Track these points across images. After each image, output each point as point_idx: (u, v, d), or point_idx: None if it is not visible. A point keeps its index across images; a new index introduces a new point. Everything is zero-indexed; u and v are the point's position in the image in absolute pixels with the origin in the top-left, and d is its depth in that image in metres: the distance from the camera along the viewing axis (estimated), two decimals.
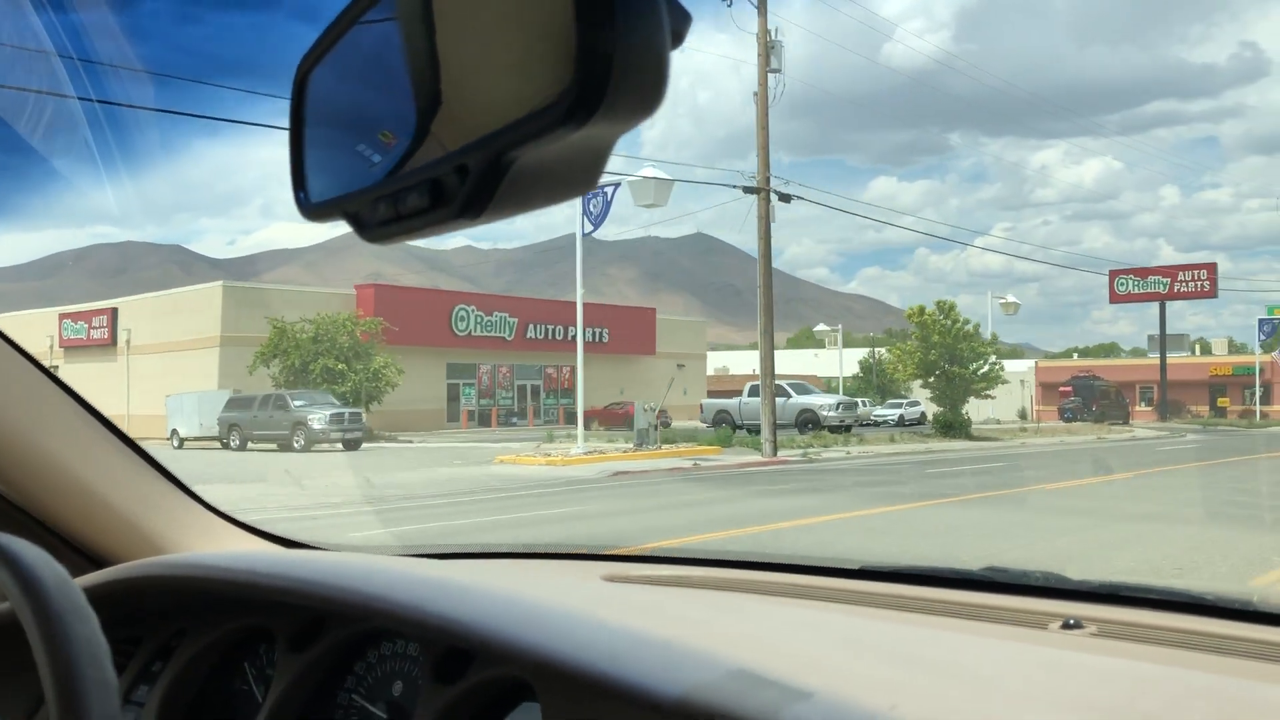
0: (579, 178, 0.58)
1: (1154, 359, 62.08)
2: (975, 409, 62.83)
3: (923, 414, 52.70)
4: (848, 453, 26.02)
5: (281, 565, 1.45)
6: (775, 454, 23.91)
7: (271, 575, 1.41)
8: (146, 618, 1.60)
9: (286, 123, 0.71)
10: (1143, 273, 58.48)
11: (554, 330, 45.62)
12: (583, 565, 2.02)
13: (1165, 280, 56.21)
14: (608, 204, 24.10)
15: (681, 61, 0.59)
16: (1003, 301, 45.28)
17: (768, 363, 25.69)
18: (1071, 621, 1.39)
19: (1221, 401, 59.12)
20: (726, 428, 30.34)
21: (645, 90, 0.53)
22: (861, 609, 1.56)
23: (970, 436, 32.85)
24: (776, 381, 35.87)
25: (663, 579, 1.78)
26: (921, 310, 37.76)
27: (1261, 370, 56.78)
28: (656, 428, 24.79)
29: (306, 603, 1.36)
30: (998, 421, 43.17)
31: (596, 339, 44.82)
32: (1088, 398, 51.15)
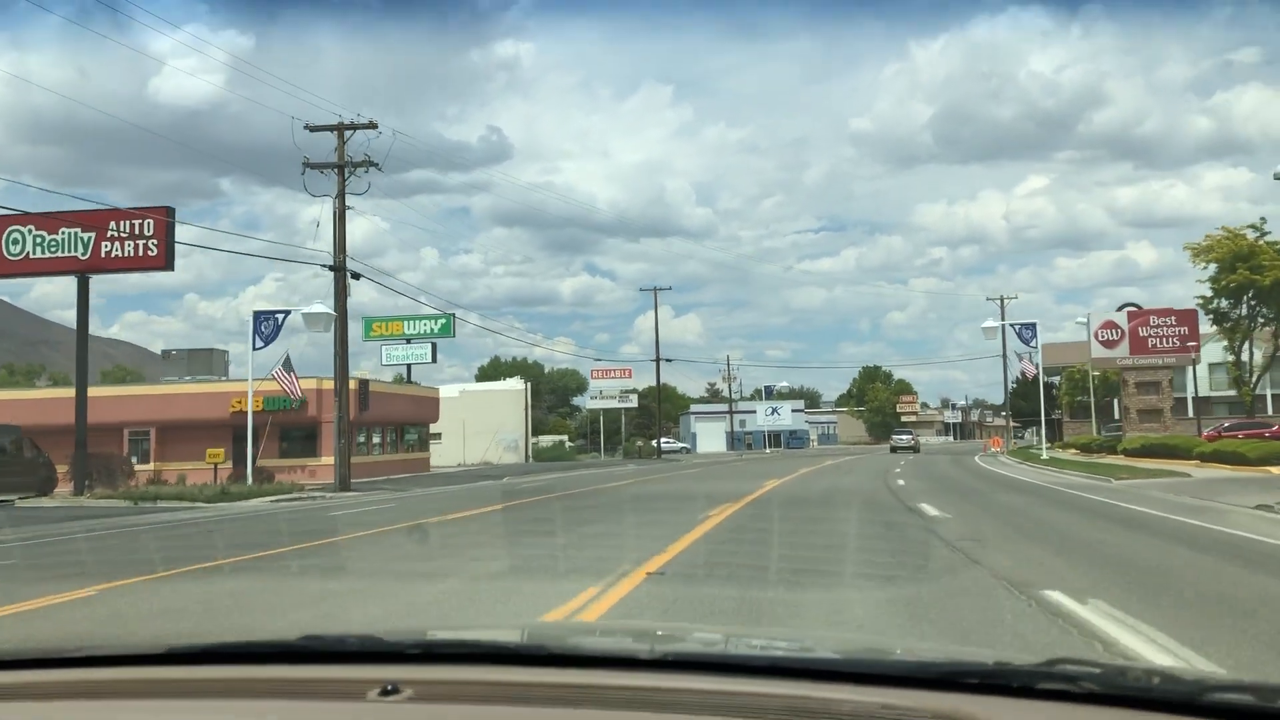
0: None
1: (165, 386, 39.75)
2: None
3: None
4: None
5: None
6: None
7: None
8: None
9: None
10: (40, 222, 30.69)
11: None
12: None
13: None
14: None
15: None
16: None
17: None
18: (390, 686, 1.37)
19: (213, 454, 31.72)
20: None
21: None
22: (169, 701, 1.44)
23: None
24: None
25: None
26: None
27: (304, 404, 36.52)
28: None
29: None
30: None
31: None
32: None
